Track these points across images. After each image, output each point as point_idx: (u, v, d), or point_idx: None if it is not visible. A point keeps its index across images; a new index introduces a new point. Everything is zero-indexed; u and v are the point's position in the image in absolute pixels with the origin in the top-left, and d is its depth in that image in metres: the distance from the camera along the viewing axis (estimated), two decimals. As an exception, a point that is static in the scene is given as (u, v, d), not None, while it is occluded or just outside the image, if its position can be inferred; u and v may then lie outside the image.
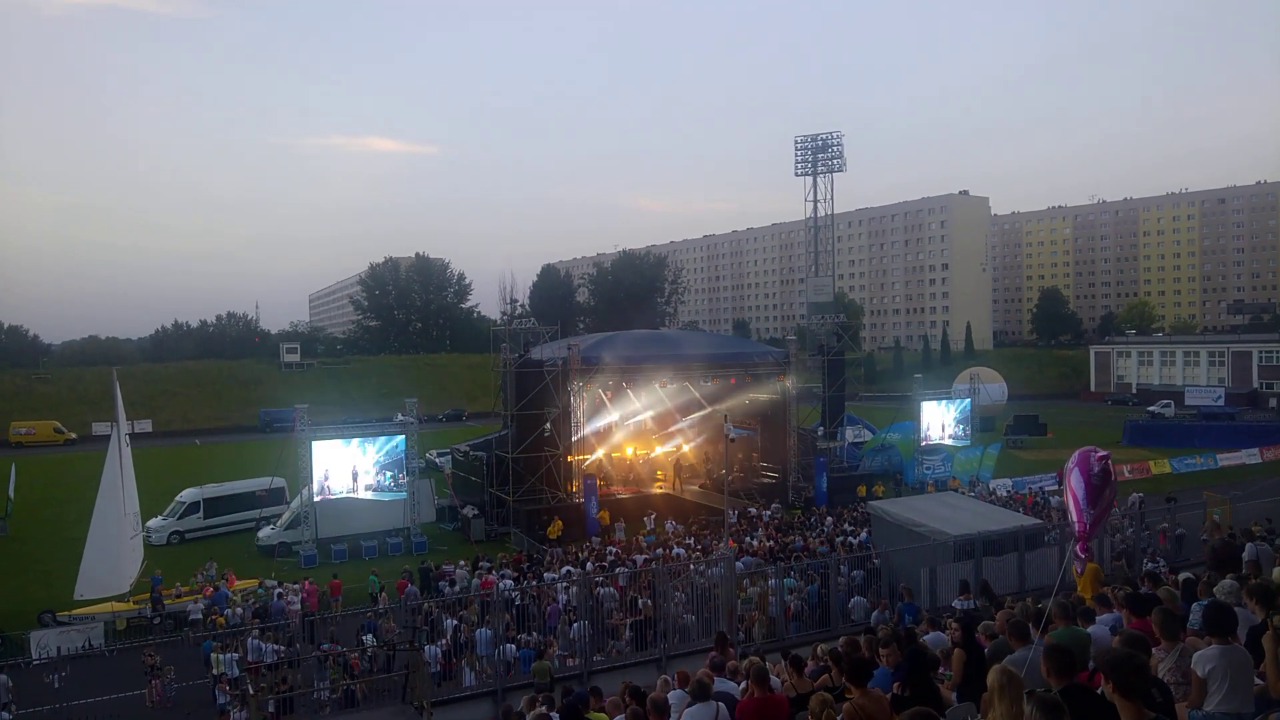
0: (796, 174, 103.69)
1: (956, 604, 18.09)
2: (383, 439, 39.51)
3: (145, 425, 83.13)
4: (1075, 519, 11.09)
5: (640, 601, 22.17)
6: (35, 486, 52.55)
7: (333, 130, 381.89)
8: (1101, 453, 10.96)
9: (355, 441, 38.86)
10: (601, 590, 23.22)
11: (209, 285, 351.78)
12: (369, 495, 38.53)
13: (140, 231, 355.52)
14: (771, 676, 9.70)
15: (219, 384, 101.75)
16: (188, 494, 42.47)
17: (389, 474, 39.00)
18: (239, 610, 27.40)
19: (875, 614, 20.22)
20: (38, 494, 51.05)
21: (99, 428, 77.42)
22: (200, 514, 41.90)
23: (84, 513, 28.85)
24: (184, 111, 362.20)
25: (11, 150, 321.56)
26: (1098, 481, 10.74)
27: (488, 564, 30.98)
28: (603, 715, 10.50)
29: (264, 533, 39.27)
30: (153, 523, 40.76)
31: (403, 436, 39.72)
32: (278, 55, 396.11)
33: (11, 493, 44.90)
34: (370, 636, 22.28)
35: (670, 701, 9.43)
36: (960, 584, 19.92)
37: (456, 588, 28.70)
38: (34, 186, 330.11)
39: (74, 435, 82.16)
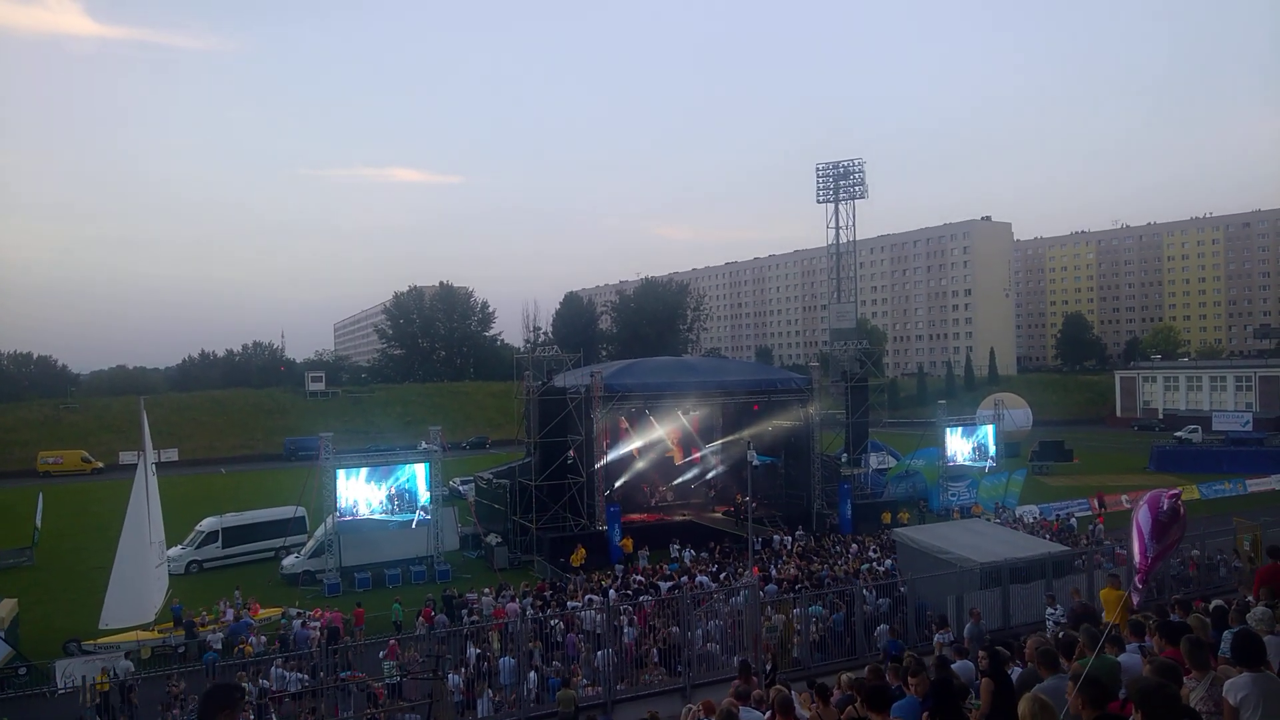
0: (818, 201, 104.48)
1: (938, 639, 17.91)
2: (395, 472, 39.52)
3: (171, 454, 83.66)
4: (1137, 553, 10.99)
5: (665, 630, 22.06)
6: (62, 515, 52.92)
7: (358, 161, 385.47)
8: (1173, 491, 10.90)
9: (363, 473, 38.91)
10: (625, 620, 23.14)
11: (235, 315, 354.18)
12: (379, 518, 38.62)
13: (168, 262, 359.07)
14: (797, 706, 9.62)
15: (245, 413, 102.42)
16: (207, 523, 42.67)
17: (393, 503, 39.02)
18: (262, 639, 27.47)
19: (969, 625, 19.75)
20: (64, 523, 51.38)
21: (126, 457, 78.03)
22: (219, 543, 41.99)
23: (110, 542, 29.02)
24: (211, 144, 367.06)
25: (40, 183, 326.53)
26: (1165, 519, 10.64)
27: (510, 593, 30.93)
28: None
29: (288, 561, 39.34)
30: (172, 551, 40.74)
31: (426, 464, 39.82)
32: (303, 89, 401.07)
33: (38, 521, 45.21)
34: (390, 664, 22.26)
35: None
36: (940, 618, 19.87)
37: (478, 617, 28.66)
38: (63, 218, 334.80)
39: (101, 464, 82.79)
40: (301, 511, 41.83)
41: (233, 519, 43.15)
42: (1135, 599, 12.41)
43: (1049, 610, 20.36)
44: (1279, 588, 11.76)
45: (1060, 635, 10.91)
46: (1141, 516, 11.28)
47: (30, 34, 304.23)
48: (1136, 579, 11.98)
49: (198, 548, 41.77)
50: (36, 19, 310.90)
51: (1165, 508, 10.96)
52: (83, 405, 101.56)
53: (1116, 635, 10.70)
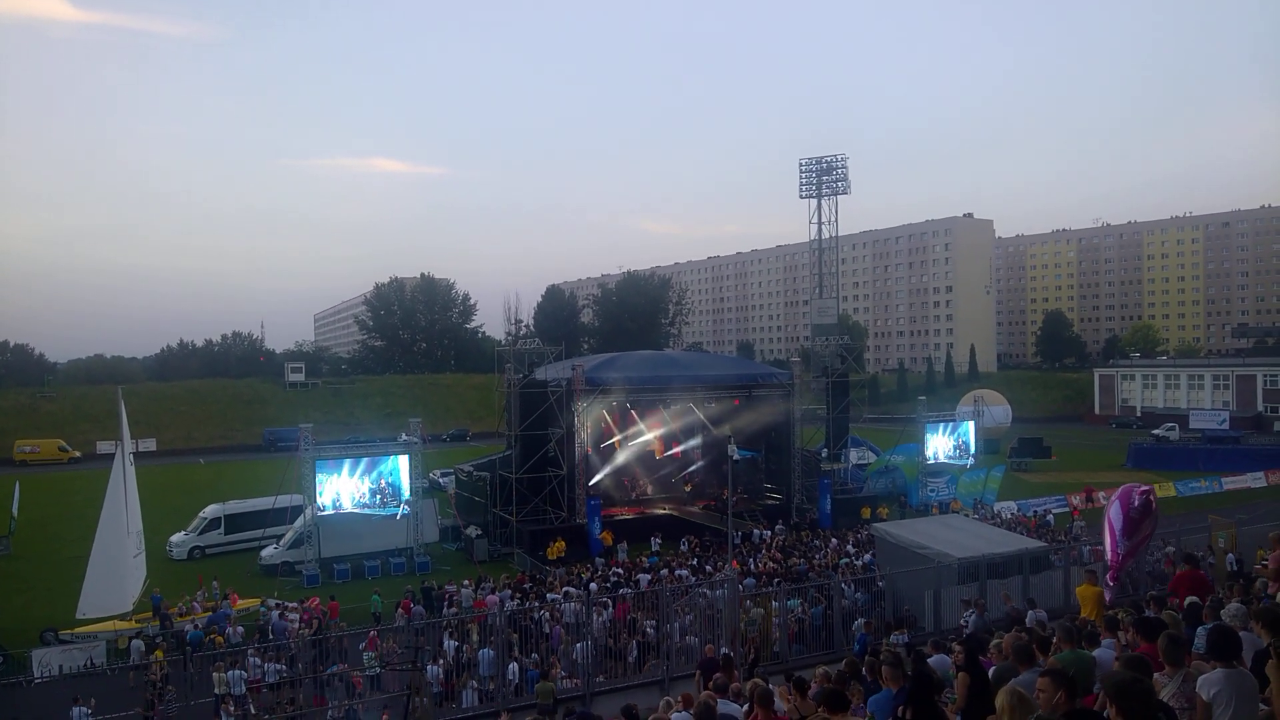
0: (801, 196, 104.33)
1: (894, 638, 18.06)
2: (379, 465, 39.39)
3: (150, 444, 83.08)
4: (1109, 550, 11.08)
5: (644, 623, 22.11)
6: (39, 505, 52.43)
7: (339, 151, 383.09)
8: (1144, 488, 10.96)
9: (347, 466, 38.71)
10: (603, 614, 23.18)
11: (215, 305, 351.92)
12: (364, 512, 38.53)
13: (147, 251, 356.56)
14: (775, 699, 9.67)
15: (224, 403, 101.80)
16: (210, 510, 43.08)
17: (377, 497, 38.95)
18: (239, 629, 27.38)
19: (974, 616, 19.90)
20: (41, 512, 50.94)
21: (103, 446, 77.52)
22: (221, 530, 42.33)
23: (87, 531, 28.89)
24: (191, 132, 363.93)
25: (18, 170, 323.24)
26: (1136, 515, 10.72)
27: (489, 585, 30.91)
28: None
29: (266, 552, 39.18)
30: (175, 538, 41.98)
31: (407, 455, 39.70)
32: (285, 77, 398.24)
33: (15, 511, 44.87)
34: (370, 655, 22.24)
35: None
36: (897, 620, 20.06)
37: (454, 609, 28.63)
38: (41, 206, 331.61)
39: (78, 454, 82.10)
40: (301, 500, 41.82)
41: (235, 506, 43.35)
42: (1108, 595, 12.53)
43: (964, 613, 20.42)
44: (1199, 592, 11.89)
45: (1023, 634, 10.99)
46: (1113, 513, 11.38)
47: (7, 18, 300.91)
48: (1108, 576, 12.10)
49: (200, 534, 42.23)
50: (13, 2, 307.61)
51: (1136, 504, 11.06)
52: (60, 394, 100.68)
53: (1092, 630, 10.81)
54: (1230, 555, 26.90)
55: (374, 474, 38.92)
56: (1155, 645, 7.92)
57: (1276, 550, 13.34)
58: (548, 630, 23.23)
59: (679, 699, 11.14)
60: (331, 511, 37.70)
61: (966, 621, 19.70)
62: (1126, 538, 11.13)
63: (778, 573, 29.91)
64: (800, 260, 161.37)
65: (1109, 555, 11.15)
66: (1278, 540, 14.17)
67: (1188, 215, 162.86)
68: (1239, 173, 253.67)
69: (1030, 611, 17.88)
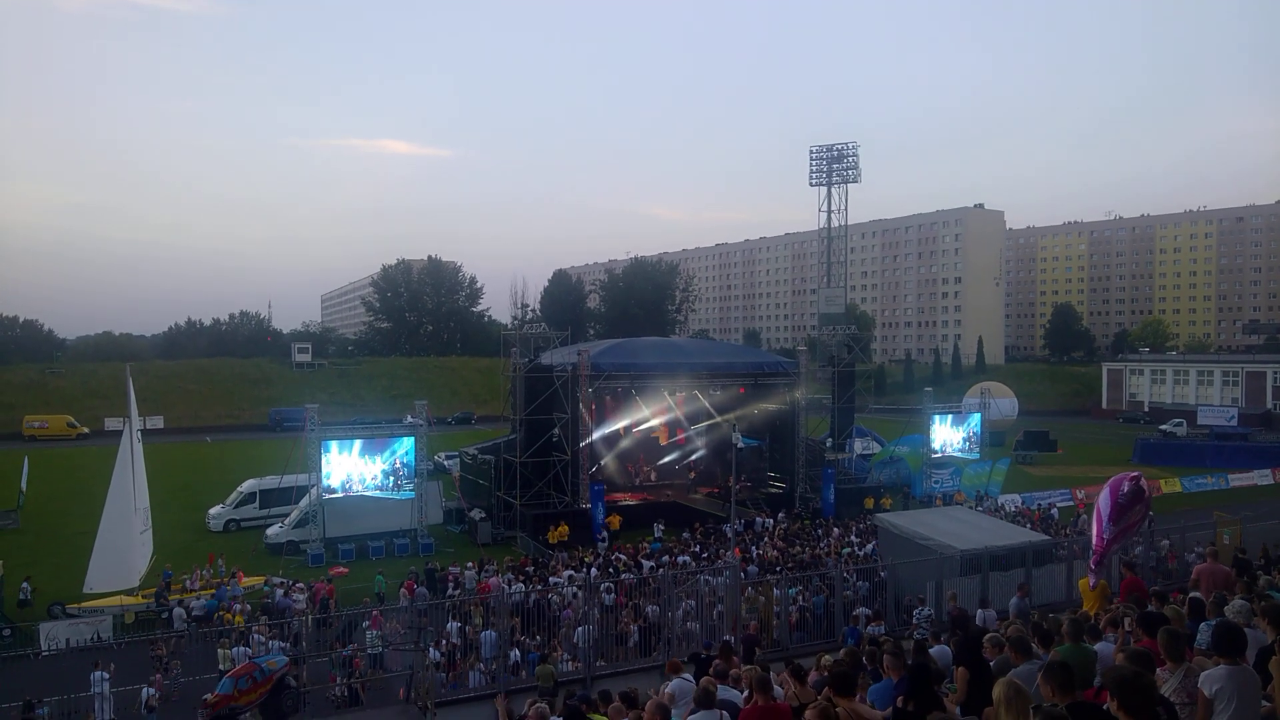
0: (811, 184, 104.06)
1: (870, 630, 18.05)
2: (393, 446, 39.56)
3: (157, 421, 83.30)
4: (1094, 535, 11.08)
5: (646, 608, 22.16)
6: (47, 480, 52.74)
7: (348, 132, 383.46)
8: (1134, 475, 10.94)
9: (358, 446, 38.81)
10: (605, 598, 23.23)
11: (223, 284, 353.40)
12: (374, 494, 38.67)
13: (155, 229, 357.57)
14: (774, 686, 9.69)
15: (230, 382, 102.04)
16: (247, 485, 44.20)
17: (391, 479, 39.08)
18: (246, 607, 27.50)
19: (1014, 600, 19.93)
20: (49, 487, 51.21)
21: (111, 423, 77.78)
22: (256, 504, 43.14)
23: (95, 507, 29.02)
24: (201, 110, 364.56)
25: (29, 147, 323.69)
26: (1124, 501, 10.68)
27: (492, 568, 31.00)
28: (603, 718, 10.48)
29: (272, 531, 39.35)
30: (213, 510, 43.42)
31: (411, 438, 39.76)
32: (295, 56, 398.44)
33: (24, 485, 45.09)
34: (373, 634, 22.32)
35: (671, 690, 9.46)
36: (874, 611, 20.09)
37: (459, 590, 28.72)
38: (51, 183, 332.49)
39: (86, 430, 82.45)
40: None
41: (271, 482, 43.63)
42: (1092, 580, 12.51)
43: (918, 610, 20.42)
44: (1141, 598, 11.84)
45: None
46: (1102, 501, 11.36)
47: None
48: (1091, 560, 12.08)
49: (236, 507, 43.39)
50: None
51: (1126, 490, 11.03)
52: (69, 370, 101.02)
53: (1094, 625, 10.81)
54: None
55: (386, 454, 39.06)
56: (1155, 640, 7.92)
57: (1206, 564, 13.17)
58: (557, 614, 23.29)
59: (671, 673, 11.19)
60: (341, 494, 37.87)
61: (918, 619, 19.65)
62: (1113, 524, 11.10)
63: (780, 561, 29.95)
64: (808, 249, 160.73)
65: (1094, 541, 11.14)
66: (1211, 554, 14.04)
67: (1201, 209, 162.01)
68: (1254, 167, 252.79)
69: (980, 611, 17.90)
